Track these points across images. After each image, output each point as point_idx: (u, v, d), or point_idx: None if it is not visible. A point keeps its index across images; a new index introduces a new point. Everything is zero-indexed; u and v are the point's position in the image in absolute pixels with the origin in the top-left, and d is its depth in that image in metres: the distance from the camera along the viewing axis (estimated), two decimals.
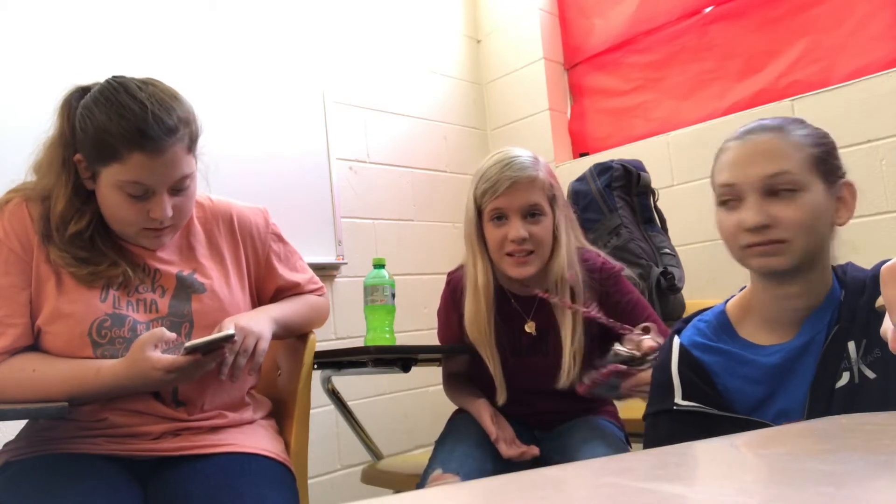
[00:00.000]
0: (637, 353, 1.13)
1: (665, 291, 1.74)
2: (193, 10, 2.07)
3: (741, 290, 1.09)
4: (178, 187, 1.09)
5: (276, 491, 1.07)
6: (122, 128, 1.01)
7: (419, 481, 1.33)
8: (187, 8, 2.06)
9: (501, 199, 1.34)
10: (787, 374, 0.98)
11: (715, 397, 0.99)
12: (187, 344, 1.02)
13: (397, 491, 1.61)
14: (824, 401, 0.93)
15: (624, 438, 1.42)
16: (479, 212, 1.39)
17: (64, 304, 1.07)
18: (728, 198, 0.97)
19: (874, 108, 1.86)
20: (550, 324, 1.39)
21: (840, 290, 0.99)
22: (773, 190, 0.94)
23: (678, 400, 1.00)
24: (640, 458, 0.58)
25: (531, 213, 1.36)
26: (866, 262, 1.02)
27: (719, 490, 0.44)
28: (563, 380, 1.33)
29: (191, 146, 1.10)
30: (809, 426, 0.72)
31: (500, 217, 1.36)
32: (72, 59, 1.78)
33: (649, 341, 1.14)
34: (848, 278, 0.99)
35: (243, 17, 2.20)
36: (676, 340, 1.06)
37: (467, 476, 1.25)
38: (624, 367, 1.12)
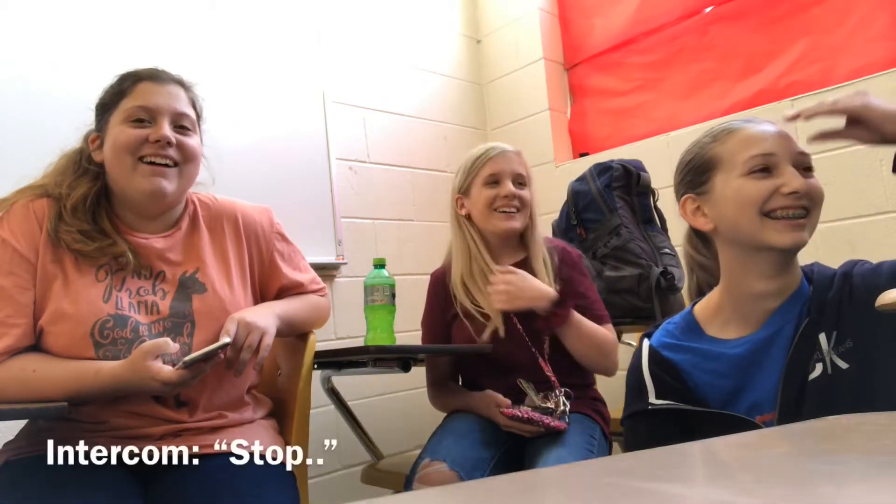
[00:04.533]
0: (552, 407, 1.40)
1: (665, 291, 1.74)
2: (193, 9, 2.07)
3: (708, 291, 1.10)
4: (180, 123, 1.16)
5: (277, 491, 1.07)
6: (130, 73, 1.18)
7: (409, 474, 1.34)
8: (187, 7, 2.06)
9: (492, 164, 1.55)
10: (753, 365, 1.00)
11: (686, 393, 1.01)
12: (186, 358, 1.02)
13: (397, 491, 1.61)
14: (796, 392, 0.95)
15: (601, 431, 1.45)
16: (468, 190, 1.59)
17: (67, 304, 1.07)
18: (762, 167, 0.97)
19: None
20: None
21: (808, 286, 1.01)
22: (800, 167, 0.98)
23: (652, 399, 1.02)
24: (640, 458, 0.58)
25: (518, 182, 1.56)
26: None
27: (719, 490, 0.44)
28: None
29: (192, 101, 1.21)
30: (809, 426, 0.72)
31: (494, 182, 1.54)
32: (73, 60, 1.78)
33: (564, 403, 1.41)
34: (815, 275, 1.02)
35: (243, 16, 2.20)
36: (646, 343, 1.08)
37: (454, 463, 1.29)
38: (540, 415, 1.38)
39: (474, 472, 1.30)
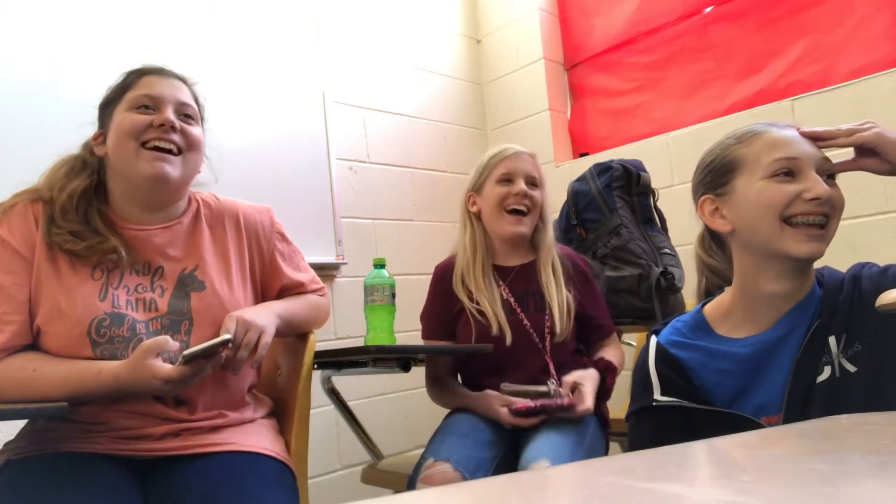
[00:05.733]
0: (548, 391, 1.41)
1: (665, 291, 1.74)
2: (193, 9, 2.07)
3: (718, 293, 1.10)
4: (183, 112, 1.17)
5: (277, 490, 1.07)
6: (134, 70, 1.20)
7: (412, 474, 1.34)
8: (187, 7, 2.06)
9: (507, 163, 1.57)
10: (761, 366, 0.99)
11: (692, 392, 1.01)
12: (185, 352, 1.02)
13: (397, 491, 1.61)
14: (804, 395, 0.95)
15: (597, 422, 1.44)
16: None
17: (63, 303, 1.07)
18: (786, 170, 0.96)
19: (874, 108, 1.86)
20: (527, 289, 1.56)
21: (819, 290, 1.01)
22: (823, 173, 0.97)
23: (657, 396, 1.02)
24: (640, 458, 0.58)
25: (531, 182, 1.58)
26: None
27: (719, 490, 0.44)
28: (557, 332, 1.49)
29: (194, 97, 1.22)
30: (810, 426, 0.72)
31: (507, 181, 1.57)
32: (73, 60, 1.78)
33: (559, 392, 1.40)
34: (825, 278, 1.02)
35: (243, 16, 2.20)
36: (654, 340, 1.08)
37: (458, 463, 1.29)
38: (542, 402, 1.38)
39: (477, 473, 1.30)
